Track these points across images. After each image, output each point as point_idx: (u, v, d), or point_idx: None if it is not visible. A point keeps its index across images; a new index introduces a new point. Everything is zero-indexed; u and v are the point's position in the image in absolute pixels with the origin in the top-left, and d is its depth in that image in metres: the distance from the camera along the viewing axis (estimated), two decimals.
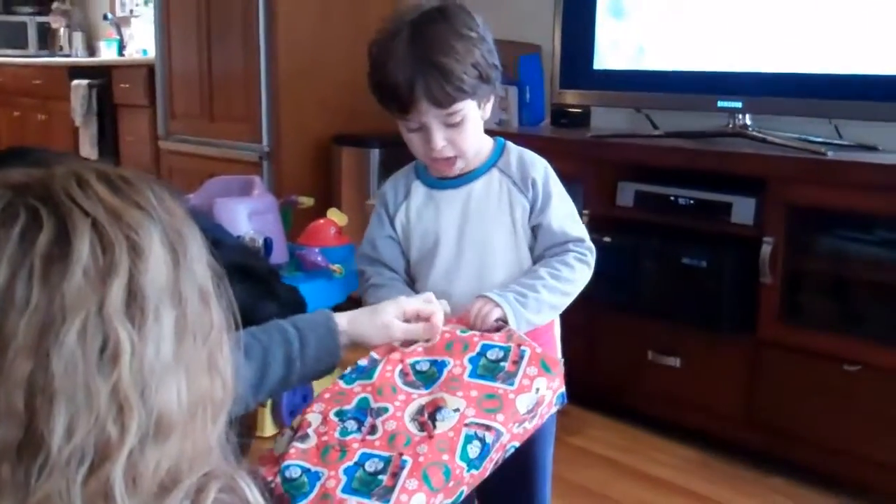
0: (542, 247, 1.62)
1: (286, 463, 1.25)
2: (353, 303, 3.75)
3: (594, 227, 2.90)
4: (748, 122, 2.88)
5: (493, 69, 1.55)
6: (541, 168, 1.63)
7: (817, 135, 2.78)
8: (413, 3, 1.60)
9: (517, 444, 1.33)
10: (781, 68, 2.77)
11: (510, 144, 1.66)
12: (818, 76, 2.69)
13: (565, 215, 1.62)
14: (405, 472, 1.20)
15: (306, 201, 3.27)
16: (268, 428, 2.93)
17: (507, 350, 1.35)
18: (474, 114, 1.55)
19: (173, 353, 0.79)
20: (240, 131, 4.45)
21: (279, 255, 2.88)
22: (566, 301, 1.59)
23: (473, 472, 1.25)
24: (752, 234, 2.64)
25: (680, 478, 2.67)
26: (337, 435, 1.28)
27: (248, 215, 2.88)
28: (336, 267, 2.96)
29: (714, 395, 2.78)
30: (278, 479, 1.24)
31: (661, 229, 2.85)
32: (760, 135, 2.82)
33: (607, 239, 2.85)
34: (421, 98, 1.49)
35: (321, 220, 3.17)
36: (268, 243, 2.76)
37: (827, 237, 2.63)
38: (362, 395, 1.33)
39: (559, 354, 1.67)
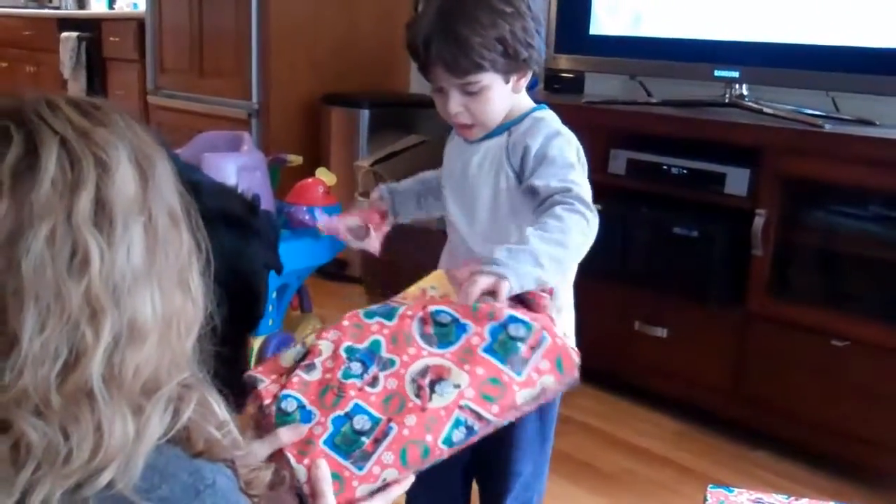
0: (532, 208, 1.54)
1: (285, 392, 1.26)
2: (338, 263, 3.74)
3: None
4: (745, 92, 2.85)
5: (525, 47, 1.52)
6: (541, 137, 1.55)
7: (814, 107, 2.75)
8: None
9: (509, 420, 1.31)
10: (780, 38, 2.73)
11: (540, 112, 1.60)
12: (817, 47, 2.65)
13: (551, 173, 1.52)
14: (385, 443, 1.21)
15: (295, 160, 3.23)
16: None
17: (529, 328, 1.28)
18: (498, 86, 1.54)
19: (145, 264, 0.85)
20: (229, 88, 4.40)
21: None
22: (567, 253, 1.42)
23: (453, 450, 1.24)
24: (745, 205, 2.61)
25: (663, 448, 2.66)
26: (339, 375, 1.28)
27: (237, 171, 2.84)
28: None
29: (700, 366, 2.76)
30: (273, 407, 1.24)
31: (652, 198, 2.82)
32: (757, 105, 2.78)
33: (598, 206, 2.80)
34: (436, 63, 1.51)
35: (309, 179, 3.13)
36: (256, 200, 2.72)
37: (820, 211, 2.60)
38: (377, 336, 1.31)
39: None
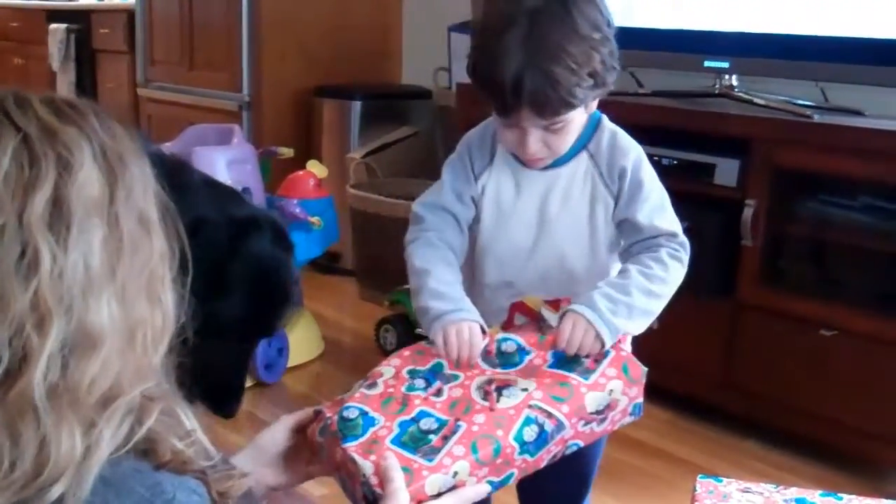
0: (629, 241, 1.49)
1: (347, 404, 1.27)
2: (330, 256, 3.74)
3: None
4: (734, 82, 2.85)
5: (612, 72, 1.40)
6: (633, 154, 1.48)
7: (804, 98, 2.75)
8: None
9: (581, 443, 1.30)
10: (769, 29, 2.74)
11: (604, 121, 1.51)
12: (806, 38, 2.66)
13: (654, 208, 1.47)
14: (455, 437, 1.20)
15: (286, 152, 3.23)
16: None
17: None
18: (580, 117, 1.43)
19: (104, 270, 0.82)
20: (220, 80, 4.39)
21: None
22: (660, 305, 1.43)
23: (527, 457, 1.22)
24: (735, 196, 2.62)
25: (653, 439, 2.67)
26: (403, 389, 1.29)
27: (227, 164, 2.84)
28: (315, 219, 2.93)
29: (691, 357, 2.77)
30: (335, 417, 1.25)
31: None
32: (746, 96, 2.79)
33: None
34: (524, 106, 1.35)
35: (301, 172, 3.13)
36: (246, 194, 2.72)
37: (810, 201, 2.61)
38: (439, 359, 1.33)
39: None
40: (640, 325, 1.41)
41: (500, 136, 1.47)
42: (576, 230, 1.48)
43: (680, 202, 2.74)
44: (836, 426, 2.47)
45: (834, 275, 2.60)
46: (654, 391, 2.85)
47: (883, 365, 2.37)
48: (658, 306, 1.43)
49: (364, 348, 3.28)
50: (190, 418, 0.90)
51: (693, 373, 2.77)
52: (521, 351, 1.31)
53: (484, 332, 1.36)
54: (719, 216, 2.66)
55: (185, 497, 0.83)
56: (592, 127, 1.49)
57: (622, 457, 2.56)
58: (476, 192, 1.52)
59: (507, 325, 1.42)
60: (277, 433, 1.32)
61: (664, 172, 2.75)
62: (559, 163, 1.48)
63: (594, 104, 1.46)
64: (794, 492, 1.60)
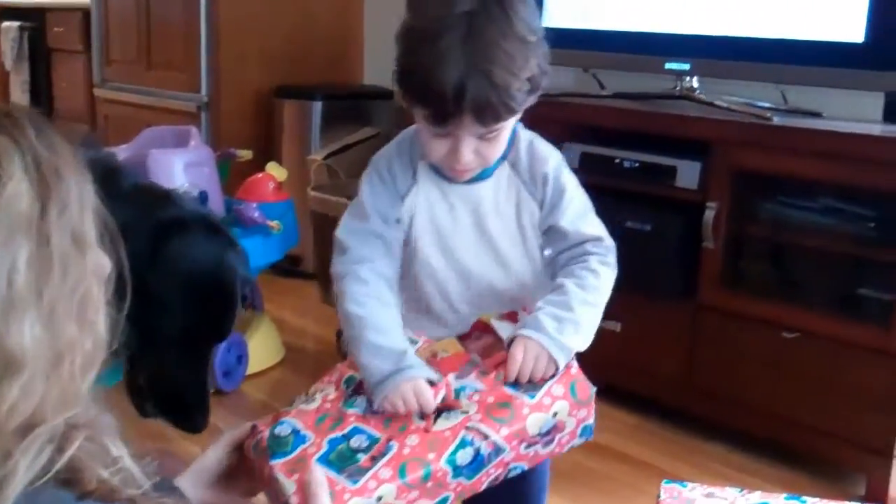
0: (557, 249, 1.46)
1: (281, 419, 1.24)
2: (290, 259, 3.70)
3: None
4: (695, 84, 2.85)
5: (545, 77, 1.36)
6: (553, 161, 1.45)
7: (764, 100, 2.76)
8: None
9: (525, 465, 1.27)
10: (730, 31, 2.74)
11: (520, 130, 1.47)
12: (766, 40, 2.66)
13: (578, 213, 1.45)
14: (385, 459, 1.17)
15: (245, 154, 3.19)
16: None
17: None
18: (511, 124, 1.38)
19: (29, 288, 0.77)
20: (178, 80, 4.33)
21: (215, 210, 2.80)
22: (600, 315, 1.41)
23: (462, 480, 1.19)
24: (696, 198, 2.62)
25: (617, 443, 2.66)
26: (340, 405, 1.27)
27: (184, 167, 2.80)
28: (274, 223, 2.89)
29: (654, 360, 2.77)
30: (266, 433, 1.23)
31: (605, 192, 2.78)
32: (707, 98, 2.79)
33: None
34: (467, 114, 1.28)
35: (260, 175, 3.09)
36: (203, 197, 2.69)
37: (770, 203, 2.61)
38: None
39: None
40: (586, 340, 1.39)
41: (426, 149, 1.39)
42: (512, 241, 1.46)
43: (641, 204, 2.79)
44: (799, 428, 2.47)
45: (795, 277, 2.61)
46: (617, 394, 2.87)
47: (844, 366, 2.38)
48: (598, 317, 1.41)
49: (326, 353, 3.24)
50: (117, 445, 0.85)
51: (655, 375, 2.77)
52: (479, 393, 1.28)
53: (433, 383, 1.30)
54: (680, 218, 2.66)
55: None
56: (511, 137, 1.44)
57: (585, 461, 2.55)
58: (403, 213, 1.44)
59: (465, 338, 1.40)
60: (219, 451, 1.29)
61: (626, 175, 2.79)
62: (483, 176, 1.44)
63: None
64: (758, 496, 1.59)
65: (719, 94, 2.79)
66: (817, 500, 1.57)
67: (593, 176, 2.89)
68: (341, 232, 1.46)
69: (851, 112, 2.70)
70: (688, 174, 2.64)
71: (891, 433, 2.31)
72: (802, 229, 2.53)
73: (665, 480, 1.73)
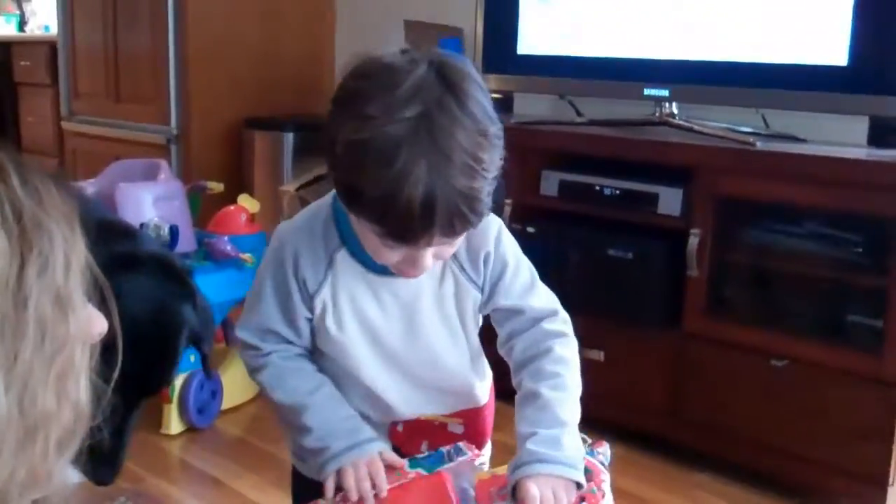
0: (508, 330, 1.34)
1: None
2: None
3: (517, 216, 2.82)
4: (675, 110, 2.82)
5: (505, 162, 1.18)
6: (492, 233, 1.30)
7: (745, 125, 2.73)
8: (397, 60, 1.14)
9: None
10: (709, 56, 2.71)
11: None
12: (746, 65, 2.63)
13: (525, 287, 1.33)
14: None
15: (216, 187, 3.13)
16: (174, 426, 2.78)
17: None
18: None
19: (2, 356, 0.68)
20: (147, 113, 4.27)
21: (186, 244, 2.73)
22: (579, 395, 1.31)
23: None
24: (679, 225, 2.57)
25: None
26: None
27: (153, 201, 2.73)
28: (247, 256, 2.82)
29: (639, 390, 2.71)
30: None
31: (586, 220, 2.77)
32: (687, 124, 2.75)
33: (531, 229, 2.77)
34: (435, 230, 1.11)
35: (231, 207, 3.03)
36: (174, 231, 2.61)
37: (755, 230, 2.57)
38: None
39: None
40: (578, 439, 1.29)
41: (373, 253, 1.20)
42: (448, 333, 1.33)
43: (623, 232, 2.74)
44: (789, 457, 2.42)
45: (782, 304, 2.56)
46: (602, 425, 2.81)
47: (835, 394, 2.33)
48: (578, 398, 1.30)
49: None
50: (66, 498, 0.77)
51: (641, 406, 2.71)
52: None
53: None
54: (663, 246, 2.62)
55: None
56: None
57: None
58: (315, 307, 1.29)
59: (411, 451, 1.34)
60: None
61: (606, 202, 2.74)
62: None
63: None
64: None
65: (700, 120, 2.76)
66: None
67: (573, 204, 2.88)
68: (241, 331, 1.34)
69: (835, 136, 2.68)
70: (670, 201, 2.59)
71: (884, 461, 2.26)
72: (789, 255, 2.49)
73: None
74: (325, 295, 1.28)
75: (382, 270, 1.26)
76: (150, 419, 2.80)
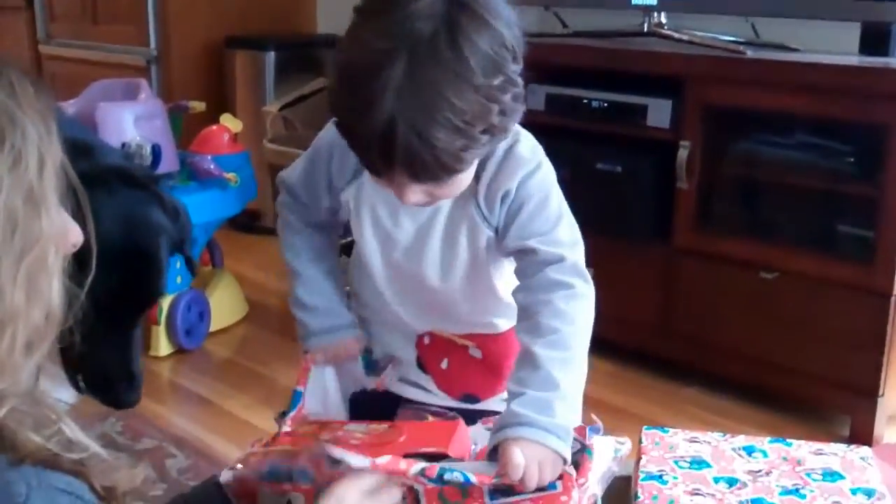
0: (517, 272, 1.28)
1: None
2: (249, 215, 3.59)
3: None
4: (663, 20, 2.76)
5: (515, 115, 1.10)
6: (519, 174, 1.23)
7: (734, 34, 2.68)
8: None
9: None
10: None
11: (513, 139, 1.23)
12: None
13: (540, 229, 1.24)
14: None
15: (197, 106, 3.07)
16: (162, 347, 2.77)
17: None
18: (473, 166, 1.16)
19: None
20: (125, 34, 4.19)
21: (169, 164, 2.68)
22: (583, 358, 1.25)
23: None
24: (669, 137, 2.53)
25: (593, 391, 2.55)
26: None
27: (134, 121, 2.67)
28: (231, 175, 2.78)
29: (628, 305, 2.69)
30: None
31: (573, 134, 2.73)
32: (677, 34, 2.70)
33: None
34: (398, 170, 1.06)
35: (214, 127, 2.98)
36: (156, 150, 2.56)
37: (745, 141, 2.54)
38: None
39: None
40: (579, 405, 1.23)
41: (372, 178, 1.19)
42: (460, 262, 1.28)
43: (611, 145, 2.70)
44: (780, 370, 2.42)
45: (773, 215, 2.54)
46: (593, 342, 2.80)
47: (825, 305, 2.32)
48: (583, 361, 1.24)
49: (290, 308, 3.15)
50: (57, 412, 0.76)
51: (631, 321, 2.70)
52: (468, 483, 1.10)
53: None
54: (653, 159, 2.58)
55: (43, 499, 0.69)
56: None
57: None
58: (337, 203, 1.30)
59: (432, 366, 1.32)
60: None
61: (594, 115, 2.70)
62: None
63: None
64: (742, 440, 1.54)
65: (688, 30, 2.70)
66: (802, 441, 1.52)
67: (560, 118, 2.83)
68: (284, 177, 1.37)
69: (826, 45, 2.63)
70: (659, 113, 2.55)
71: (875, 372, 2.26)
72: (779, 166, 2.46)
73: (645, 427, 1.66)
74: (349, 195, 1.28)
75: None
76: None
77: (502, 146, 1.21)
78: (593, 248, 2.85)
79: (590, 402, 2.49)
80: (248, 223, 3.82)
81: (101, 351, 1.42)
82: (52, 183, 0.74)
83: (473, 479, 1.06)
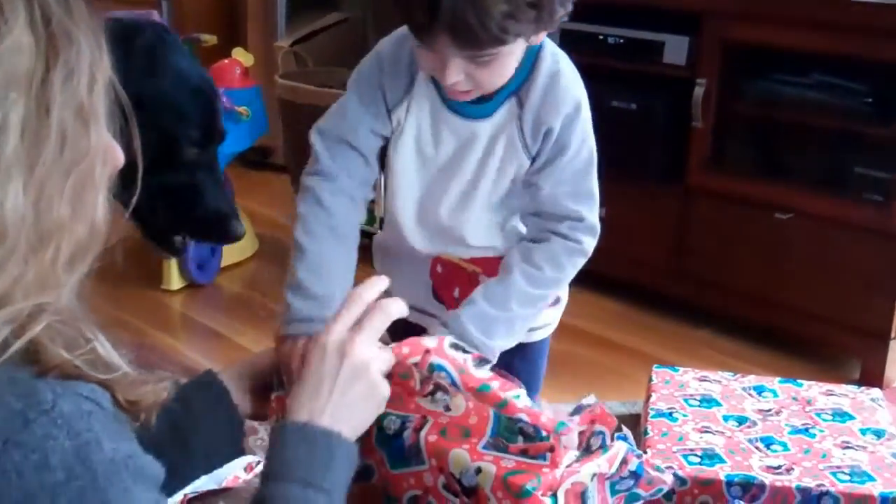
0: (532, 207, 1.28)
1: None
2: (260, 151, 3.58)
3: None
4: None
5: (565, 2, 1.11)
6: (565, 110, 1.22)
7: None
8: None
9: None
10: None
11: (545, 55, 1.21)
12: None
13: (569, 180, 1.24)
14: None
15: (209, 39, 3.04)
16: (174, 281, 2.78)
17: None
18: (517, 50, 1.14)
19: (19, 155, 0.68)
20: None
21: None
22: (543, 306, 1.27)
23: None
24: (685, 74, 2.51)
25: (604, 330, 2.60)
26: None
27: None
28: (242, 109, 2.77)
29: (641, 245, 2.68)
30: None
31: (588, 70, 2.65)
32: None
33: None
34: (441, 32, 1.07)
35: (226, 60, 2.96)
36: None
37: (762, 80, 2.50)
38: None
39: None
40: (518, 337, 1.25)
41: (416, 56, 1.19)
42: (489, 191, 1.27)
43: (626, 82, 2.67)
44: (792, 312, 2.41)
45: (789, 156, 2.52)
46: (602, 281, 2.80)
47: (839, 247, 2.31)
48: (544, 304, 1.27)
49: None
50: (92, 331, 0.76)
51: (642, 262, 2.69)
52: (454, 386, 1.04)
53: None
54: (668, 97, 2.56)
55: (69, 405, 0.69)
56: (529, 64, 1.21)
57: (572, 349, 2.49)
58: (388, 130, 1.27)
59: (445, 296, 1.31)
60: (265, 361, 1.15)
61: (609, 51, 2.66)
62: (484, 113, 1.23)
63: (543, 35, 1.17)
64: (752, 379, 1.52)
65: None
66: (812, 382, 1.51)
67: (575, 53, 2.77)
68: (316, 134, 1.30)
69: None
70: (676, 49, 2.52)
71: (887, 315, 2.25)
72: (796, 106, 2.43)
73: (656, 365, 1.65)
74: (400, 114, 1.25)
75: (452, 105, 1.23)
76: (150, 275, 2.79)
77: (546, 69, 1.21)
78: (605, 188, 2.83)
79: (598, 341, 2.53)
80: (259, 160, 3.81)
81: (206, 194, 1.59)
82: (101, 100, 0.75)
83: (459, 383, 1.04)
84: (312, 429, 0.89)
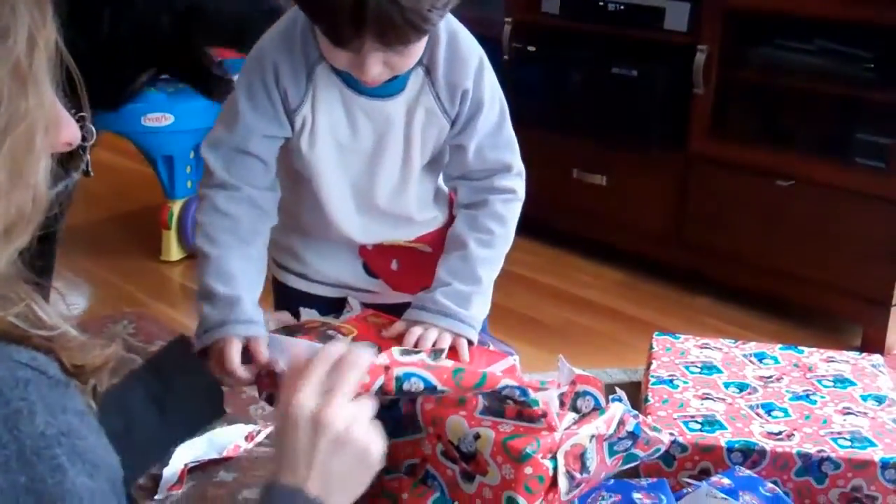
0: (461, 171, 1.30)
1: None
2: None
3: (517, 35, 2.73)
4: None
5: None
6: (473, 67, 1.24)
7: None
8: None
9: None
10: None
11: (449, 23, 1.23)
12: None
13: (489, 133, 1.28)
14: None
15: None
16: (173, 252, 2.77)
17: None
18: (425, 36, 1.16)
19: None
20: None
21: None
22: (504, 254, 1.31)
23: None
24: (686, 41, 2.49)
25: (607, 299, 2.60)
26: None
27: None
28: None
29: (641, 213, 2.68)
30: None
31: (589, 37, 2.68)
32: None
33: (531, 48, 2.69)
34: (367, 36, 1.06)
35: None
36: None
37: (764, 46, 2.49)
38: None
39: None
40: (491, 291, 1.29)
41: (327, 55, 1.16)
42: (413, 164, 1.28)
43: (627, 49, 2.66)
44: (793, 280, 2.41)
45: (790, 122, 2.51)
46: (602, 249, 2.80)
47: (841, 214, 2.30)
48: (502, 257, 1.31)
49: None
50: (26, 292, 0.73)
51: (642, 230, 2.69)
52: (431, 389, 1.01)
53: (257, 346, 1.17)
54: (669, 63, 2.54)
55: (2, 371, 0.65)
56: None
57: (575, 317, 2.50)
58: (286, 131, 1.23)
59: (381, 269, 1.32)
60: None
61: (610, 18, 2.64)
62: (394, 90, 1.22)
63: None
64: (753, 346, 1.52)
65: None
66: (813, 349, 1.51)
67: (576, 20, 2.78)
68: (208, 148, 1.24)
69: None
70: (677, 16, 2.51)
71: (889, 282, 2.25)
72: (798, 72, 2.41)
73: (657, 333, 1.65)
74: (305, 111, 1.22)
75: (359, 89, 1.21)
76: (149, 247, 2.79)
77: (443, 33, 1.22)
78: (606, 155, 2.84)
79: (599, 310, 2.53)
80: None
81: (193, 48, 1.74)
82: (44, 65, 0.70)
83: (434, 380, 1.02)
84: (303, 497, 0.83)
